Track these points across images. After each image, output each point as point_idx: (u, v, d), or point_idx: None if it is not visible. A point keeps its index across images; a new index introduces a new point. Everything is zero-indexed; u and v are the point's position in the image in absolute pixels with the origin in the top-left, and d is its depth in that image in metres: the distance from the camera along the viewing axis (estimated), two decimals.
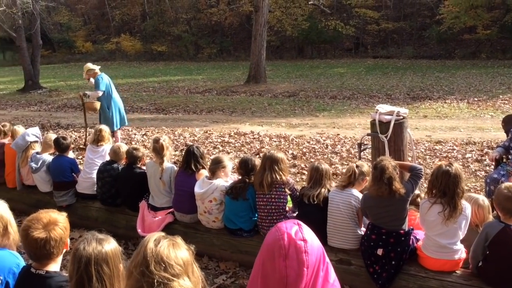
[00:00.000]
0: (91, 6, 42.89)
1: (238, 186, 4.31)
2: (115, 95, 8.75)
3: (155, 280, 1.70)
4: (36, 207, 3.00)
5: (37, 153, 5.71)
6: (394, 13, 30.58)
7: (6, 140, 6.27)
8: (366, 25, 30.28)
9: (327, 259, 1.76)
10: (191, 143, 8.97)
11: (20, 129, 6.19)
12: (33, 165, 5.60)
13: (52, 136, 5.78)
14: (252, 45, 19.59)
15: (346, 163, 7.48)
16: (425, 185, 4.90)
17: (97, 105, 8.45)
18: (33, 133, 5.94)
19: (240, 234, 4.38)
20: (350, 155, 7.91)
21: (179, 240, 1.85)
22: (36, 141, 5.91)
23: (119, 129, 8.83)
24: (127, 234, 5.02)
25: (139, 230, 4.80)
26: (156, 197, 4.87)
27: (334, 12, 31.27)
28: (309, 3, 28.09)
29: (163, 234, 1.85)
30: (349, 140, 8.97)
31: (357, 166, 4.02)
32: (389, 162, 3.68)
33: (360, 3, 29.87)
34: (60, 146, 5.50)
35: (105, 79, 8.54)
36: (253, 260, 1.82)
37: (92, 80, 8.63)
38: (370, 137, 5.07)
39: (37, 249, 2.31)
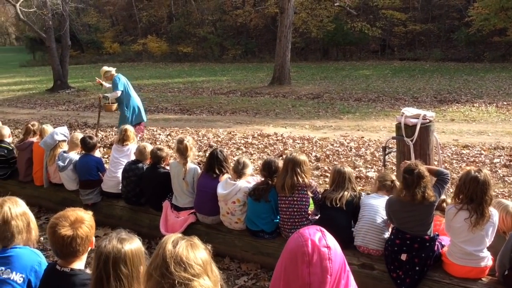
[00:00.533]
0: (119, 8, 43.62)
1: (261, 188, 4.30)
2: (133, 94, 9.11)
3: (176, 281, 1.71)
4: (63, 205, 3.06)
5: (64, 151, 5.83)
6: (421, 14, 30.11)
7: (34, 139, 6.42)
8: (393, 26, 29.90)
9: (347, 267, 1.75)
10: (215, 144, 9.05)
11: (48, 128, 6.32)
12: (60, 163, 5.71)
13: (79, 135, 5.90)
14: (276, 47, 19.59)
15: (370, 167, 7.41)
16: (451, 190, 4.80)
17: (114, 106, 8.93)
18: (61, 132, 6.07)
19: (261, 236, 4.37)
20: (375, 158, 7.82)
21: (196, 240, 1.86)
22: (64, 140, 6.03)
23: (138, 124, 9.10)
24: (151, 233, 5.07)
25: (162, 230, 4.84)
26: (179, 197, 4.90)
27: (361, 14, 31.00)
28: (335, 4, 27.91)
29: (180, 235, 1.87)
30: (374, 143, 8.87)
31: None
32: (424, 168, 3.62)
33: (387, 4, 29.51)
34: (87, 145, 5.61)
35: (122, 79, 8.87)
36: (274, 262, 1.81)
37: (105, 83, 8.95)
38: (395, 140, 5.00)
39: (63, 246, 2.35)
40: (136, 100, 9.08)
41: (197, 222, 4.80)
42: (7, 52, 58.92)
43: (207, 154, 5.08)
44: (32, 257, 2.56)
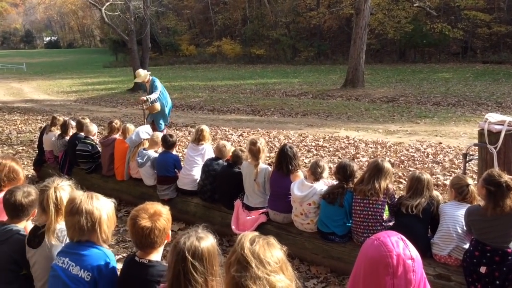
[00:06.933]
0: (196, 11, 45.11)
1: (336, 192, 4.27)
2: (167, 94, 9.68)
3: (252, 276, 1.77)
4: (141, 199, 3.21)
5: (144, 149, 6.13)
6: (508, 15, 28.35)
7: (117, 135, 6.81)
8: (476, 28, 28.40)
9: (425, 275, 1.72)
10: None
11: (131, 127, 6.70)
12: (139, 160, 6.01)
13: (159, 134, 6.19)
14: (351, 49, 19.29)
15: (448, 174, 7.09)
16: None
17: (158, 106, 9.23)
18: (145, 131, 6.44)
19: (332, 238, 4.33)
20: (454, 166, 7.47)
21: (272, 239, 1.92)
22: (148, 138, 6.36)
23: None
24: (222, 231, 5.18)
25: (233, 227, 4.95)
26: (250, 197, 4.98)
27: (441, 15, 29.77)
28: (414, 5, 26.97)
29: (257, 233, 1.94)
30: (453, 150, 8.47)
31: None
32: (508, 178, 3.40)
33: (470, 5, 28.12)
34: (167, 143, 5.87)
35: (158, 81, 9.41)
36: (345, 267, 1.83)
37: (150, 96, 9.13)
38: (477, 147, 4.76)
39: (142, 237, 2.46)
40: (169, 101, 9.68)
41: (267, 223, 4.85)
42: (92, 53, 62.79)
43: None
44: (99, 256, 2.62)
